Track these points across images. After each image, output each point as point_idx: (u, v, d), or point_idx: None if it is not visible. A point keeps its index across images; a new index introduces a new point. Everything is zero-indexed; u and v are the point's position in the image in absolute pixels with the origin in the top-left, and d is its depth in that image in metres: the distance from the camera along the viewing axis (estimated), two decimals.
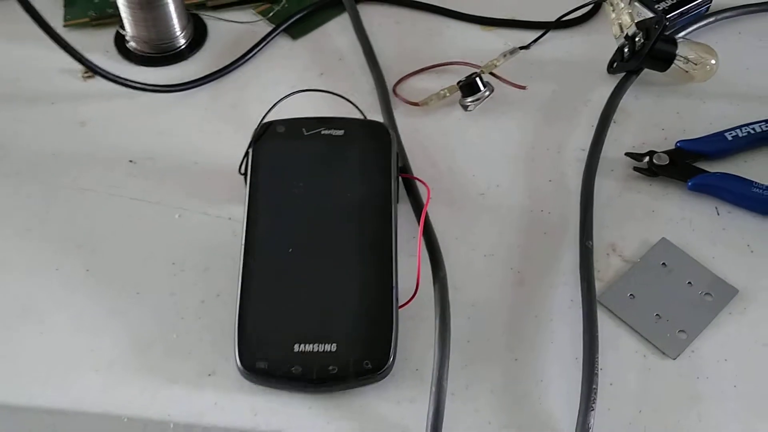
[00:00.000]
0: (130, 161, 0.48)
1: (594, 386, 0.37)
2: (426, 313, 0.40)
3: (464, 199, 0.46)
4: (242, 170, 0.43)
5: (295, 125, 0.44)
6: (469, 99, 0.49)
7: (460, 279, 0.42)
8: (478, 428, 0.37)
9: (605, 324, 0.40)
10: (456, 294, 0.40)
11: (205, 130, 0.49)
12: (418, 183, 0.44)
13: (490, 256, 0.43)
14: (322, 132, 0.44)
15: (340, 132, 0.44)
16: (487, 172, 0.47)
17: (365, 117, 0.45)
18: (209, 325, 0.40)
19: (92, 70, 0.48)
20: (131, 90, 0.50)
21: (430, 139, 0.49)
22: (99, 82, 0.51)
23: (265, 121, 0.44)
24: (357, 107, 0.45)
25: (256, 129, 0.43)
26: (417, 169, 0.46)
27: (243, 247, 0.40)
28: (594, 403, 0.36)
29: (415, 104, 0.50)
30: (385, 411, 0.38)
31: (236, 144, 0.44)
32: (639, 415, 0.37)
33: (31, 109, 0.50)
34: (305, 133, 0.44)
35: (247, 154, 0.43)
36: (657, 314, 0.41)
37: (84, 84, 0.52)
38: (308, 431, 0.37)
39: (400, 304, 0.39)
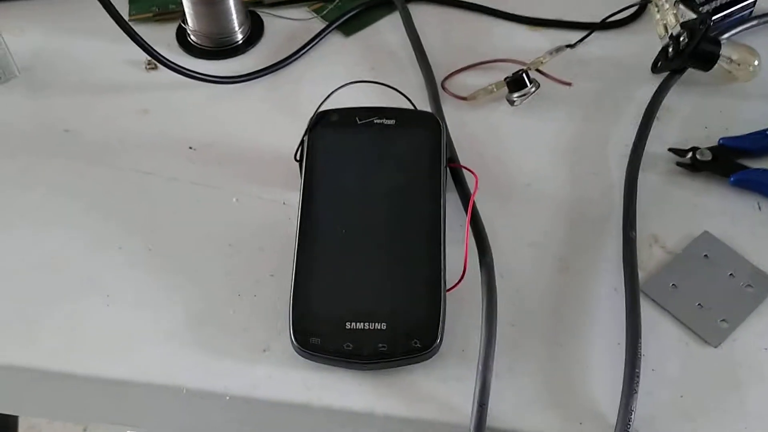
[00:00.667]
0: (190, 148, 0.50)
1: (637, 370, 0.38)
2: (472, 297, 0.41)
3: (510, 190, 0.47)
4: (297, 157, 0.45)
5: (348, 114, 0.46)
6: (516, 94, 0.51)
7: (506, 266, 0.43)
8: (522, 407, 0.38)
9: (647, 312, 0.41)
10: (501, 280, 0.42)
11: (262, 120, 0.51)
12: (465, 174, 0.46)
13: (535, 244, 0.45)
14: (375, 121, 0.45)
15: (392, 121, 0.45)
16: (533, 164, 0.48)
17: (416, 108, 0.47)
18: (263, 303, 0.42)
19: (157, 59, 0.51)
20: (192, 81, 0.53)
21: (477, 132, 0.50)
22: (161, 73, 0.54)
23: (320, 110, 0.46)
24: (408, 98, 0.47)
25: (312, 118, 0.45)
26: (464, 160, 0.47)
27: (298, 228, 0.42)
28: (637, 386, 0.38)
29: (463, 99, 0.52)
30: (432, 389, 0.39)
31: (290, 133, 0.46)
32: (680, 400, 0.38)
33: (100, 97, 0.53)
34: (358, 122, 0.45)
35: (302, 141, 0.45)
36: (699, 304, 0.41)
37: (147, 75, 0.54)
38: (358, 406, 0.39)
39: (448, 288, 0.41)
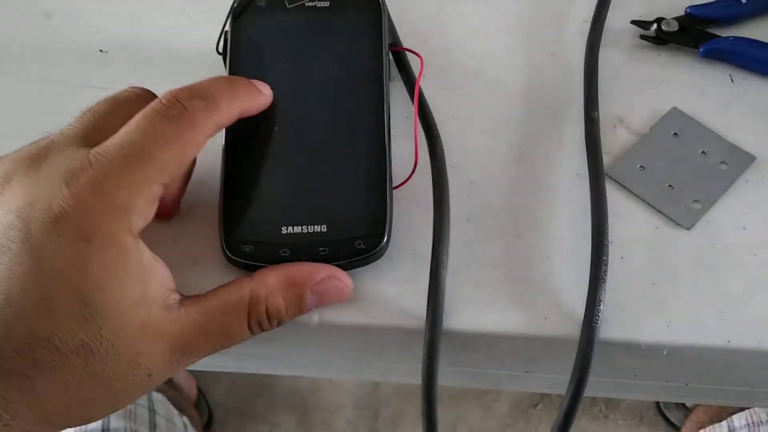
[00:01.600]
0: (101, 51, 0.44)
1: (604, 257, 0.35)
2: (424, 194, 0.37)
3: (459, 77, 0.43)
4: (220, 49, 0.40)
5: None
6: None
7: (458, 157, 0.39)
8: (482, 305, 0.35)
9: (614, 198, 0.38)
10: (454, 173, 0.38)
11: (177, 15, 0.46)
12: (410, 57, 0.41)
13: (488, 132, 0.40)
14: (306, 4, 0.40)
15: (325, 3, 0.40)
16: (483, 47, 0.44)
17: None
18: (192, 213, 0.38)
19: None
20: None
21: (419, 14, 0.45)
22: None
23: None
24: None
25: (234, 3, 0.40)
26: (408, 45, 0.43)
27: (224, 129, 0.37)
28: (605, 275, 0.34)
29: None
30: (383, 292, 0.35)
31: (214, 27, 0.40)
32: (652, 287, 0.35)
33: None
34: (288, 6, 0.40)
35: (224, 30, 0.40)
36: (669, 185, 0.38)
37: None
38: (302, 317, 0.35)
39: (395, 185, 0.37)
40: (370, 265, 0.36)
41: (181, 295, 0.32)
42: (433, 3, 0.46)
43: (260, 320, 0.33)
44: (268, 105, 0.37)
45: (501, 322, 0.35)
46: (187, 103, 0.31)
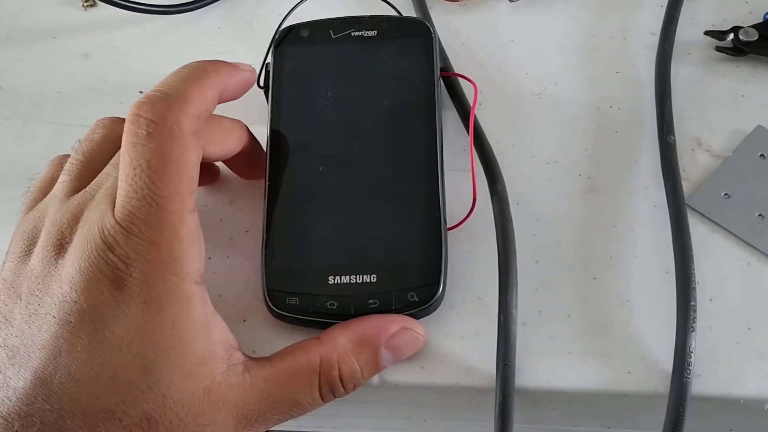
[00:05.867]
0: (141, 92, 0.43)
1: (692, 303, 0.31)
2: (486, 234, 0.34)
3: (518, 102, 0.40)
4: (261, 83, 0.37)
5: (320, 27, 0.38)
6: None
7: (521, 191, 0.36)
8: (557, 358, 0.32)
9: (698, 231, 0.34)
10: (518, 209, 0.35)
11: (220, 52, 0.44)
12: (463, 85, 0.39)
13: (553, 163, 0.37)
14: (352, 34, 0.38)
15: (373, 32, 0.38)
16: (543, 68, 0.41)
17: (400, 14, 0.39)
18: (238, 264, 0.36)
19: None
20: (135, 14, 0.45)
21: (473, 38, 0.42)
22: (101, 10, 0.46)
23: (286, 25, 0.38)
24: (390, 3, 0.40)
25: (275, 34, 0.38)
26: (461, 72, 0.40)
27: (267, 169, 0.35)
28: (694, 322, 0.31)
29: (455, 0, 0.44)
30: (447, 347, 0.33)
31: (255, 60, 0.38)
32: (748, 332, 0.32)
33: (33, 46, 0.45)
34: (333, 36, 0.38)
35: (265, 63, 0.38)
36: (759, 214, 0.34)
37: (85, 13, 0.47)
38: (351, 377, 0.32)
39: (449, 226, 0.34)
40: (433, 315, 0.33)
41: (244, 354, 0.30)
42: (486, 22, 0.43)
43: (333, 386, 0.30)
44: (252, 81, 0.34)
45: (578, 378, 0.31)
46: (152, 113, 0.28)
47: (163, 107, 0.29)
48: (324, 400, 0.30)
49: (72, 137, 0.41)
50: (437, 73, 0.37)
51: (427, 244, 0.33)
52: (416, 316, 0.32)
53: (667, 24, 0.40)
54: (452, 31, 0.43)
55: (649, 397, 0.31)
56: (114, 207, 0.28)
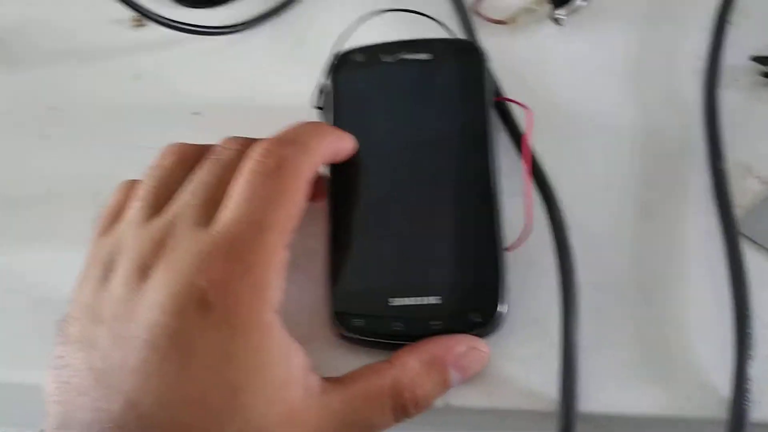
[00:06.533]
0: (194, 113, 0.43)
1: (747, 330, 0.32)
2: (544, 258, 0.35)
3: (567, 125, 0.40)
4: (315, 104, 0.38)
5: (373, 52, 0.39)
6: (562, 11, 0.44)
7: (577, 216, 0.36)
8: (616, 383, 0.33)
9: (753, 259, 0.34)
10: (573, 234, 0.36)
11: (271, 74, 0.45)
12: (515, 110, 0.39)
13: (607, 188, 0.38)
14: (405, 57, 0.39)
15: (425, 55, 0.39)
16: (591, 92, 0.41)
17: (454, 36, 0.40)
18: (301, 285, 0.36)
19: (143, 13, 0.44)
20: (185, 35, 0.46)
21: (521, 61, 0.43)
22: (150, 31, 0.47)
23: (339, 51, 0.39)
24: (443, 24, 0.40)
25: (329, 60, 0.39)
26: (510, 95, 0.41)
27: (329, 191, 0.36)
28: (750, 349, 0.32)
29: (501, 22, 0.44)
30: (508, 371, 0.33)
31: (307, 86, 0.39)
32: None
33: (84, 67, 0.46)
34: (385, 60, 0.39)
35: (321, 85, 0.38)
36: None
37: (134, 33, 0.47)
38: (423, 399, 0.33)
39: (507, 246, 0.35)
40: (494, 339, 0.34)
41: (318, 376, 0.31)
42: (532, 45, 0.44)
43: (405, 408, 0.31)
44: (353, 152, 0.36)
45: (638, 403, 0.32)
46: (281, 151, 0.31)
47: (292, 150, 0.31)
48: (396, 421, 0.31)
49: (129, 158, 0.41)
50: (490, 95, 0.38)
51: (486, 265, 0.34)
52: (478, 336, 0.33)
53: (713, 49, 0.41)
54: (499, 53, 0.43)
55: (708, 423, 0.32)
56: (207, 231, 0.30)
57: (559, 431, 0.31)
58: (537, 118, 0.40)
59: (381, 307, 0.34)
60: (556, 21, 0.44)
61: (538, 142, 0.39)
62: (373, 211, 0.36)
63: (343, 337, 0.34)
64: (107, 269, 0.31)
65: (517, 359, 0.34)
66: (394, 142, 0.37)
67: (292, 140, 0.32)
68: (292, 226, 0.31)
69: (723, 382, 0.32)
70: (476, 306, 0.33)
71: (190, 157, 0.34)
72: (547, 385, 0.33)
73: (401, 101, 0.38)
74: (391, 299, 0.34)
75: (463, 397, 0.33)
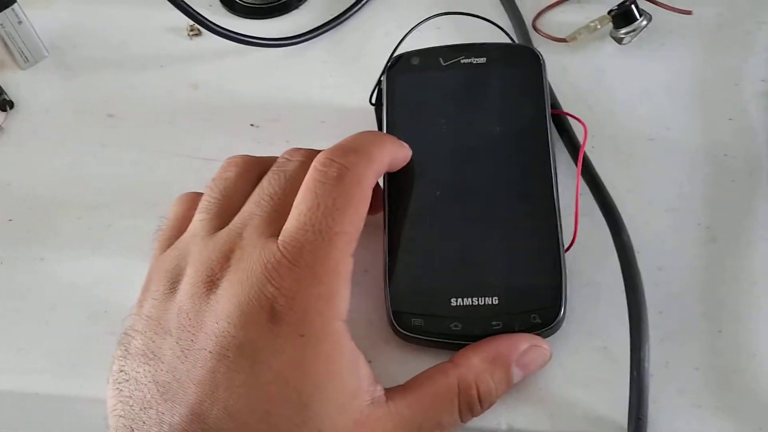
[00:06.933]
0: (252, 125, 0.43)
1: None
2: (607, 281, 0.35)
3: (631, 146, 0.40)
4: (373, 101, 0.39)
5: (430, 55, 0.39)
6: (624, 30, 0.43)
7: (642, 239, 0.36)
8: (686, 411, 0.32)
9: None
10: (639, 257, 0.35)
11: (328, 85, 0.45)
12: (572, 124, 0.39)
13: (672, 210, 0.38)
14: (462, 61, 0.39)
15: (482, 60, 0.39)
16: (654, 112, 0.41)
17: (514, 40, 0.40)
18: (358, 287, 0.36)
19: (200, 22, 0.44)
20: (242, 46, 0.46)
21: (582, 79, 0.43)
22: (206, 40, 0.47)
23: (397, 53, 0.39)
24: (502, 29, 0.40)
25: (388, 61, 0.39)
26: (569, 111, 0.40)
27: (385, 195, 0.36)
28: None
29: (561, 40, 0.44)
30: (574, 395, 0.33)
31: (363, 97, 0.40)
32: None
33: (141, 74, 0.46)
34: (443, 63, 0.39)
35: (378, 83, 0.39)
36: None
37: (191, 42, 0.48)
38: (490, 423, 0.33)
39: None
40: (558, 364, 0.33)
41: (382, 385, 0.31)
42: (593, 64, 0.43)
43: (472, 406, 0.31)
44: (409, 160, 0.36)
45: None
46: (343, 160, 0.31)
47: (354, 159, 0.31)
48: (463, 420, 0.31)
49: (188, 168, 0.42)
50: (548, 99, 0.38)
51: (546, 266, 0.34)
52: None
53: None
54: (560, 71, 0.43)
55: None
56: (275, 242, 0.29)
57: None
58: (599, 137, 0.40)
59: (441, 308, 0.34)
60: (619, 40, 0.43)
61: (601, 162, 0.38)
62: (431, 212, 0.36)
63: (404, 337, 0.34)
64: (173, 282, 0.31)
65: (581, 384, 0.33)
66: (451, 143, 0.37)
67: (353, 149, 0.32)
68: (357, 233, 0.31)
69: None
70: (538, 307, 0.33)
71: (252, 169, 0.34)
72: (614, 412, 0.32)
73: (458, 104, 0.38)
74: (451, 299, 0.33)
75: (530, 421, 0.33)
